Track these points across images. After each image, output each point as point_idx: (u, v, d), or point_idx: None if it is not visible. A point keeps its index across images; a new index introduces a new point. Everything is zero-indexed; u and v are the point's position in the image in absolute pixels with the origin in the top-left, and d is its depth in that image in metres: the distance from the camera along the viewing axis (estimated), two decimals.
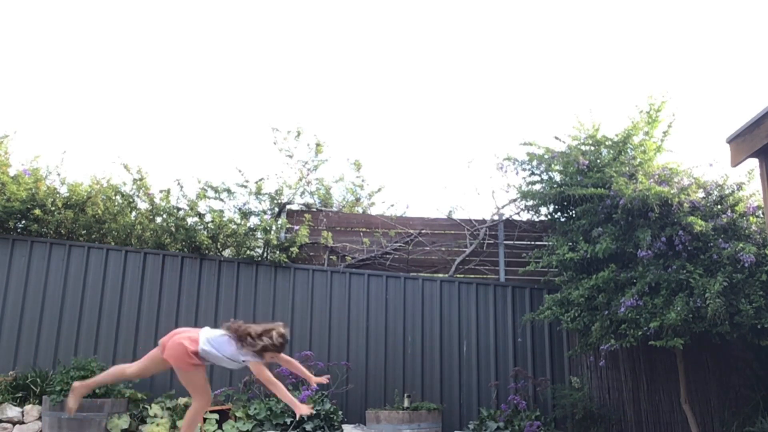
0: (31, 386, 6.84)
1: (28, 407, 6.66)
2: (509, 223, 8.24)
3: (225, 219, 7.79)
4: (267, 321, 7.55)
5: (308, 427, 6.48)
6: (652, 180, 6.49)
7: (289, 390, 6.87)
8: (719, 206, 6.36)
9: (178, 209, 7.97)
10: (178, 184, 8.12)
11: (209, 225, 7.80)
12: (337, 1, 15.50)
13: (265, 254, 7.94)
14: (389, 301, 7.75)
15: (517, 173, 7.50)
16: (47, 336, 7.43)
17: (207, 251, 7.87)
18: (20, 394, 6.80)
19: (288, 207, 8.32)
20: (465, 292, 7.79)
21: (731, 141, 4.71)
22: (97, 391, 6.45)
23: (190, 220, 7.83)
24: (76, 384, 4.58)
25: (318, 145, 8.75)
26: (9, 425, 6.56)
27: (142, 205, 8.28)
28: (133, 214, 8.26)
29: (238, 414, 6.66)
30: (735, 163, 4.71)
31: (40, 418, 6.61)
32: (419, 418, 6.57)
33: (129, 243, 8.06)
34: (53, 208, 7.83)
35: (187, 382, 4.49)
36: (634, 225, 6.38)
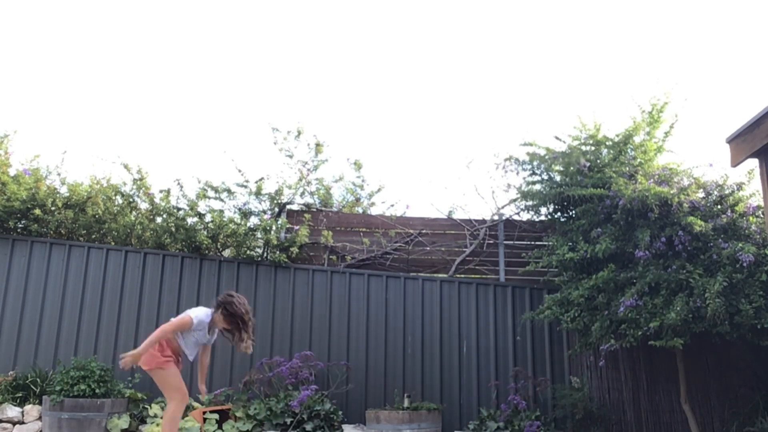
0: (31, 386, 6.85)
1: (28, 407, 6.66)
2: (509, 223, 8.24)
3: (225, 219, 7.79)
4: (267, 321, 7.59)
5: (308, 427, 6.48)
6: (651, 180, 6.49)
7: (288, 390, 6.92)
8: (719, 206, 6.36)
9: (178, 209, 7.97)
10: (178, 184, 8.13)
11: (209, 225, 7.80)
12: (337, 1, 15.50)
13: (265, 254, 7.94)
14: (389, 301, 7.75)
15: (517, 174, 7.50)
16: (47, 336, 7.44)
17: (207, 251, 7.87)
18: (20, 394, 6.81)
19: (288, 207, 8.32)
20: (465, 292, 7.79)
21: (731, 141, 4.71)
22: (97, 390, 6.47)
23: (190, 220, 7.83)
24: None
25: (318, 145, 8.75)
26: (9, 425, 6.57)
27: (142, 205, 8.29)
28: (133, 214, 8.26)
29: (238, 414, 6.67)
30: (735, 163, 4.71)
31: (40, 418, 6.61)
32: (419, 418, 6.57)
33: (129, 243, 8.06)
34: (53, 208, 7.84)
35: (161, 382, 4.62)
36: (634, 225, 6.38)
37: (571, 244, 6.73)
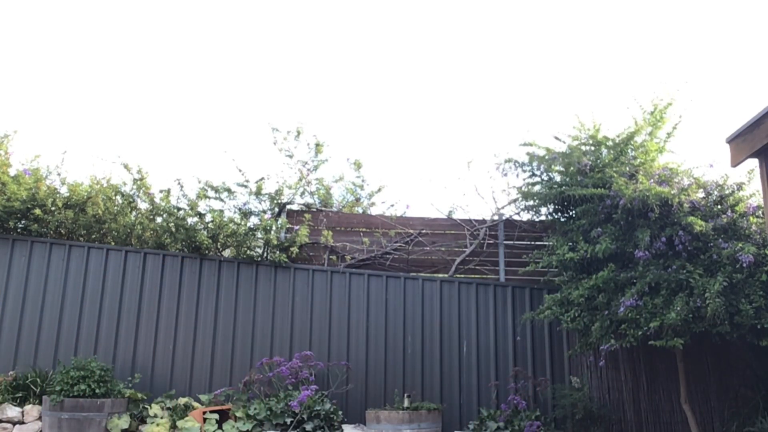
0: (31, 386, 6.85)
1: (28, 407, 6.66)
2: (509, 224, 8.25)
3: (225, 219, 7.79)
4: (267, 321, 7.61)
5: (308, 427, 6.48)
6: (652, 180, 6.49)
7: (288, 390, 6.92)
8: (719, 206, 6.36)
9: (179, 209, 7.97)
10: (178, 184, 8.13)
11: (209, 225, 7.80)
12: (337, 1, 15.50)
13: (265, 254, 7.95)
14: (389, 301, 7.75)
15: (517, 175, 7.51)
16: (47, 336, 7.44)
17: (207, 251, 7.87)
18: (20, 394, 6.80)
19: (288, 207, 8.33)
20: (465, 292, 7.79)
21: (731, 141, 4.71)
22: (97, 390, 6.47)
23: (190, 220, 7.84)
24: None
25: (318, 145, 8.77)
26: (9, 425, 6.56)
27: (142, 205, 8.29)
28: (133, 214, 8.26)
29: (238, 414, 6.67)
30: (735, 163, 4.71)
31: (40, 418, 6.61)
32: (419, 418, 6.57)
33: (129, 243, 8.06)
34: (53, 208, 7.84)
35: None
36: (634, 225, 6.38)
37: (571, 244, 6.73)
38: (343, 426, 6.79)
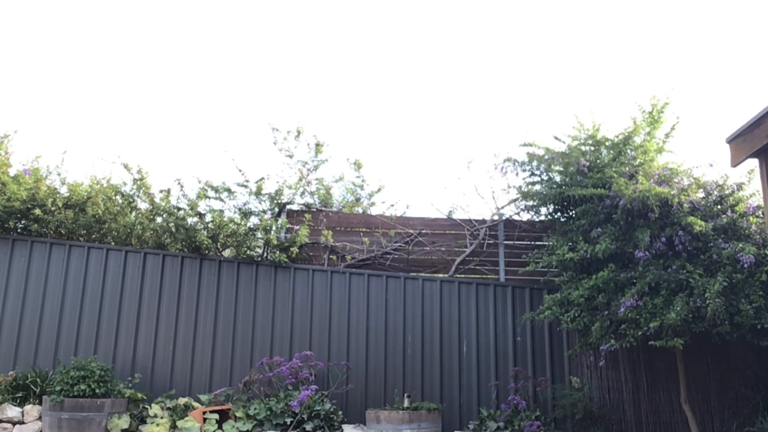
0: (31, 386, 6.85)
1: (28, 407, 6.66)
2: (509, 223, 8.25)
3: (225, 219, 7.80)
4: (267, 321, 7.61)
5: (308, 427, 6.48)
6: (652, 180, 6.49)
7: (288, 390, 6.92)
8: (719, 206, 6.36)
9: (179, 209, 7.98)
10: (178, 184, 8.13)
11: (209, 225, 7.81)
12: (337, 1, 15.51)
13: (265, 254, 7.95)
14: (389, 301, 7.75)
15: (517, 174, 7.50)
16: (47, 336, 7.44)
17: (207, 251, 7.87)
18: (20, 394, 6.80)
19: (288, 207, 8.33)
20: (465, 292, 7.79)
21: (731, 141, 4.71)
22: (97, 390, 6.47)
23: (190, 220, 7.84)
24: None
25: (318, 145, 8.77)
26: (9, 425, 6.56)
27: (142, 205, 8.30)
28: (133, 214, 8.27)
29: (238, 414, 6.67)
30: (735, 163, 4.71)
31: (40, 418, 6.61)
32: (419, 418, 6.57)
33: (129, 243, 8.06)
34: (53, 208, 7.84)
35: None
36: (634, 225, 6.38)
37: (571, 244, 6.74)
38: (343, 426, 6.79)
